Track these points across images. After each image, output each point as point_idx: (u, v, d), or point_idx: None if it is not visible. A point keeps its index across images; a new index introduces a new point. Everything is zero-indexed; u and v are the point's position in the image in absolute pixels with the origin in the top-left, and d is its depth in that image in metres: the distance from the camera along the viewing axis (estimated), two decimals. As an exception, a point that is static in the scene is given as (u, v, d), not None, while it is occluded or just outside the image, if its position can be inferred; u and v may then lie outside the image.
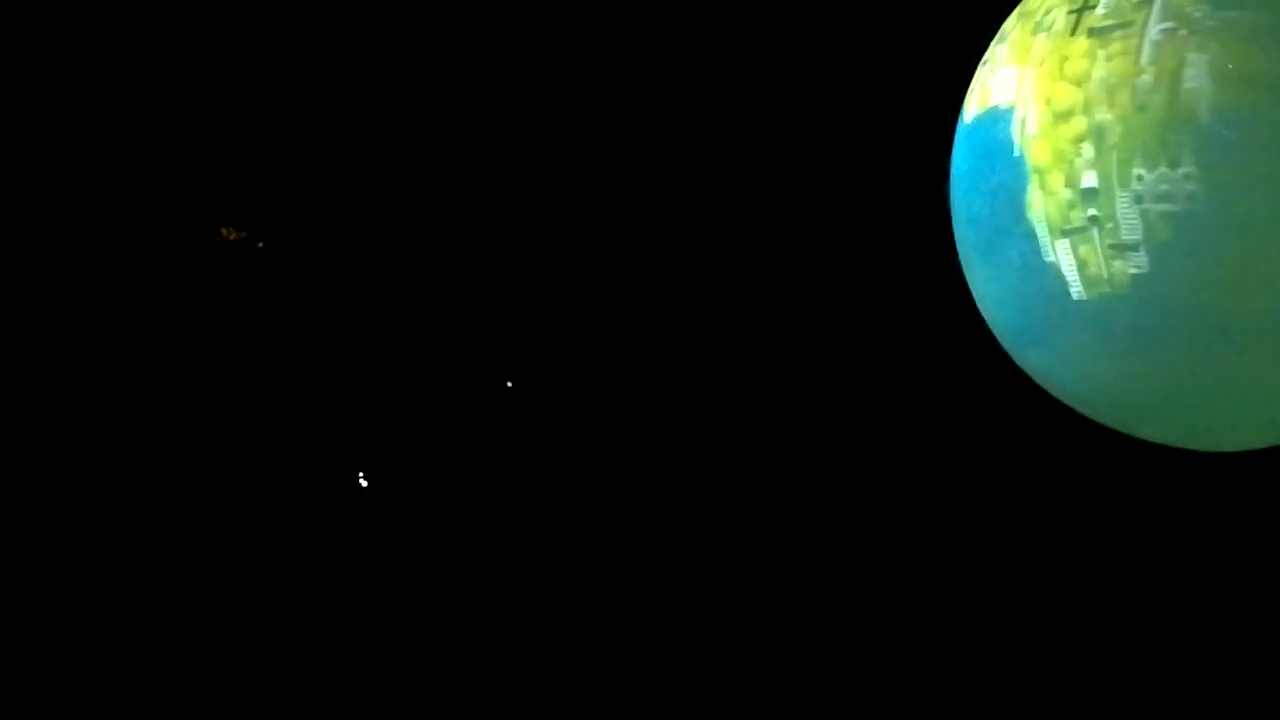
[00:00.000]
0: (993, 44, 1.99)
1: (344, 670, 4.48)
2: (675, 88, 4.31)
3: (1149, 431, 1.91)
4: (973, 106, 1.99)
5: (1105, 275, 1.67)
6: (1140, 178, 1.58)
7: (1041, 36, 1.81)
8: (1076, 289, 1.74)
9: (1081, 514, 4.08)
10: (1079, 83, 1.71)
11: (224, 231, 4.53)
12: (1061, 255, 1.75)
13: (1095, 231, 1.67)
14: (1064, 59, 1.74)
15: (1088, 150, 1.66)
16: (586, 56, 4.30)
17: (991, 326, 2.07)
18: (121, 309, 4.48)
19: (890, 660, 4.28)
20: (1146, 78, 1.58)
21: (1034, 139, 1.77)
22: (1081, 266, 1.71)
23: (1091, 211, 1.66)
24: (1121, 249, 1.63)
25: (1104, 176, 1.63)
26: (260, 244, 4.58)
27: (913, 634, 4.26)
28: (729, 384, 4.52)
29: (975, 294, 2.07)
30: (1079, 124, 1.69)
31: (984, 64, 1.99)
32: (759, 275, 4.43)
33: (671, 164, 4.42)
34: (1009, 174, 1.83)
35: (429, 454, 4.70)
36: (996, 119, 1.87)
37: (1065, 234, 1.73)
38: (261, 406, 4.60)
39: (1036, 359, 1.96)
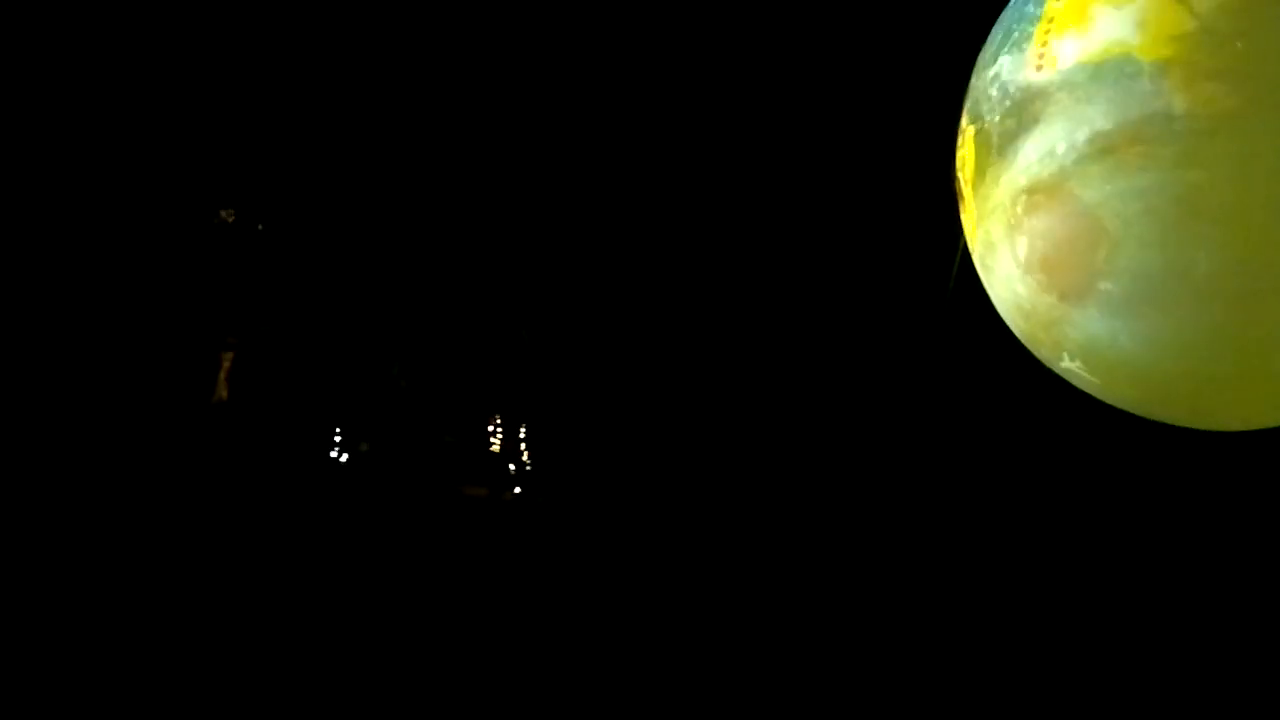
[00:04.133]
0: None
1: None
2: (671, 77, 4.25)
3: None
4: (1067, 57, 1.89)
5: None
6: None
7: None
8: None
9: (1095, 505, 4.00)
10: None
11: (223, 214, 4.48)
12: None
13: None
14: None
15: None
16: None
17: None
18: (118, 291, 4.35)
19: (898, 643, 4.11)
20: None
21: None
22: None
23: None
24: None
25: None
26: (260, 226, 4.57)
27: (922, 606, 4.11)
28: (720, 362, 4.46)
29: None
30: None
31: None
32: (750, 253, 4.40)
33: (667, 155, 4.36)
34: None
35: (426, 441, 4.57)
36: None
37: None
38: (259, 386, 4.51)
39: (1100, 329, 1.85)
